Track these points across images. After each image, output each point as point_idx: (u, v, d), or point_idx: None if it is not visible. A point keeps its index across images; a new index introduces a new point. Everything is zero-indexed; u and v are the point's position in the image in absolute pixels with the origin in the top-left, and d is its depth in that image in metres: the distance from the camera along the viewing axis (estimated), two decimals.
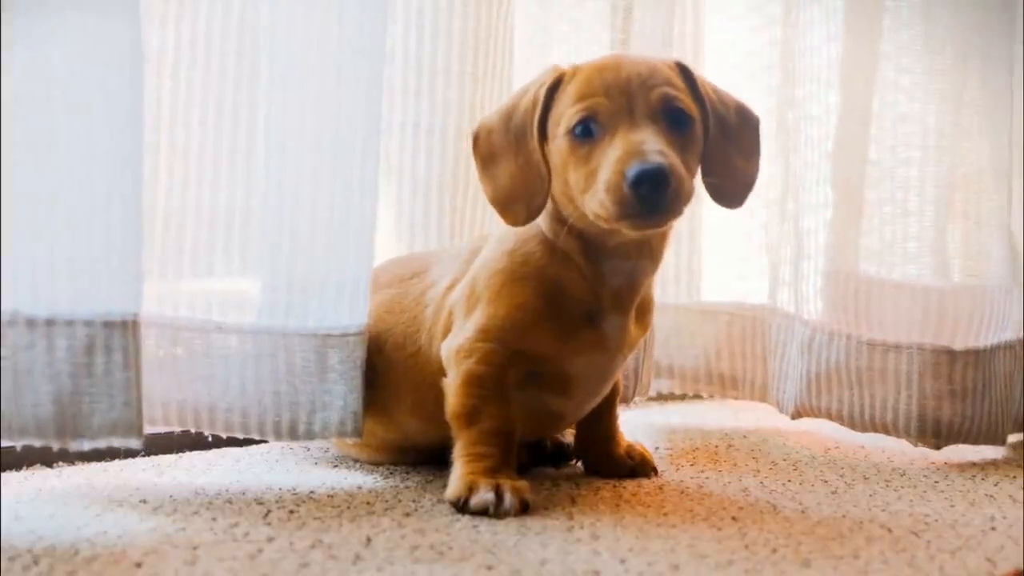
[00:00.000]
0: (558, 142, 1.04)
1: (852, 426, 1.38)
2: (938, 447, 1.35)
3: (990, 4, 1.39)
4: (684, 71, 1.07)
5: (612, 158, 0.98)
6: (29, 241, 0.95)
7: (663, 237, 1.10)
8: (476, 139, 1.10)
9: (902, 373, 1.35)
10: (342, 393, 1.12)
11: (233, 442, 1.23)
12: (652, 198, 0.96)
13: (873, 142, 1.40)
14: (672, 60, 1.08)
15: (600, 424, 1.20)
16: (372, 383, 1.14)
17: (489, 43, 1.34)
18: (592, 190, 1.00)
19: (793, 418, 1.43)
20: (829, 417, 1.40)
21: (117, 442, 0.98)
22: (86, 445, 0.97)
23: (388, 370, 1.15)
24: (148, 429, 1.17)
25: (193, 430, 1.13)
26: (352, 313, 1.12)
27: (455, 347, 1.08)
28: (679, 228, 1.54)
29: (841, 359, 1.38)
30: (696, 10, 1.52)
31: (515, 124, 1.07)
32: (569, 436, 1.26)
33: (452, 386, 1.07)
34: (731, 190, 1.09)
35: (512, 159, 1.07)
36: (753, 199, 1.52)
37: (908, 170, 1.39)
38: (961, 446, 1.38)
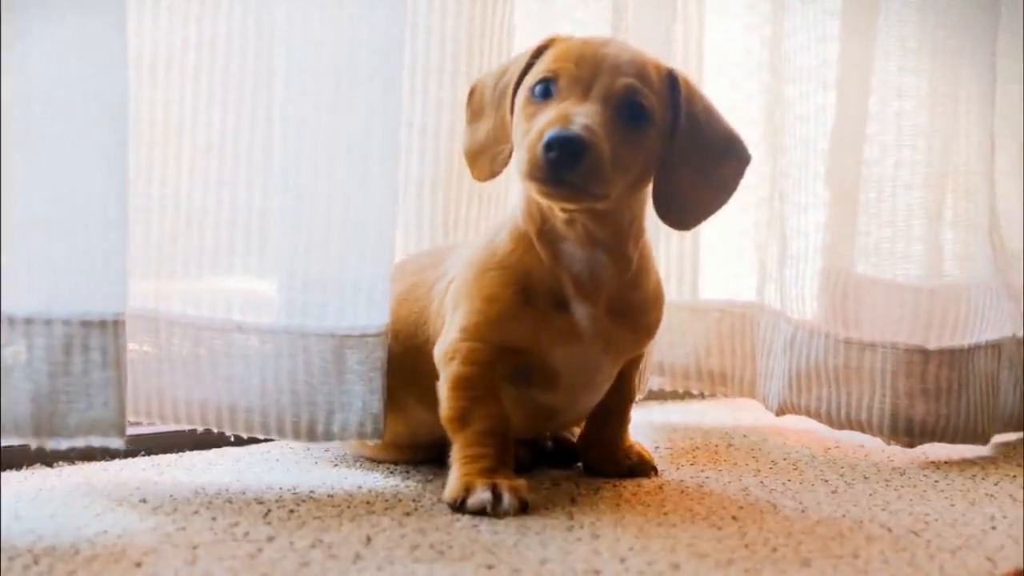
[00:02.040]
0: (519, 99, 1.05)
1: (829, 423, 1.39)
2: (911, 445, 1.36)
3: (982, 3, 1.39)
4: (672, 79, 1.07)
5: (543, 120, 0.99)
6: (9, 240, 0.95)
7: (617, 232, 1.08)
8: (472, 93, 1.13)
9: (877, 371, 1.35)
10: (361, 394, 1.12)
11: (233, 441, 1.23)
12: (559, 165, 0.96)
13: (867, 142, 1.40)
14: (667, 65, 1.08)
15: (607, 427, 1.20)
16: (389, 373, 1.14)
17: (483, 42, 1.34)
18: (520, 148, 1.01)
19: (777, 415, 1.44)
20: (808, 414, 1.41)
21: (96, 441, 0.97)
22: (63, 444, 0.97)
23: (399, 359, 1.15)
24: (171, 427, 1.19)
25: (215, 430, 1.13)
26: (370, 313, 1.12)
27: (442, 350, 1.09)
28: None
29: (820, 357, 1.38)
30: (687, 7, 1.52)
31: (502, 82, 1.09)
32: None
33: (443, 389, 1.08)
34: (681, 211, 1.09)
35: (492, 115, 1.09)
36: (744, 197, 1.53)
37: (897, 170, 1.39)
38: (958, 446, 1.38)
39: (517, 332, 1.07)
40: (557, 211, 1.05)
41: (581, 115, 0.98)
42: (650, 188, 1.08)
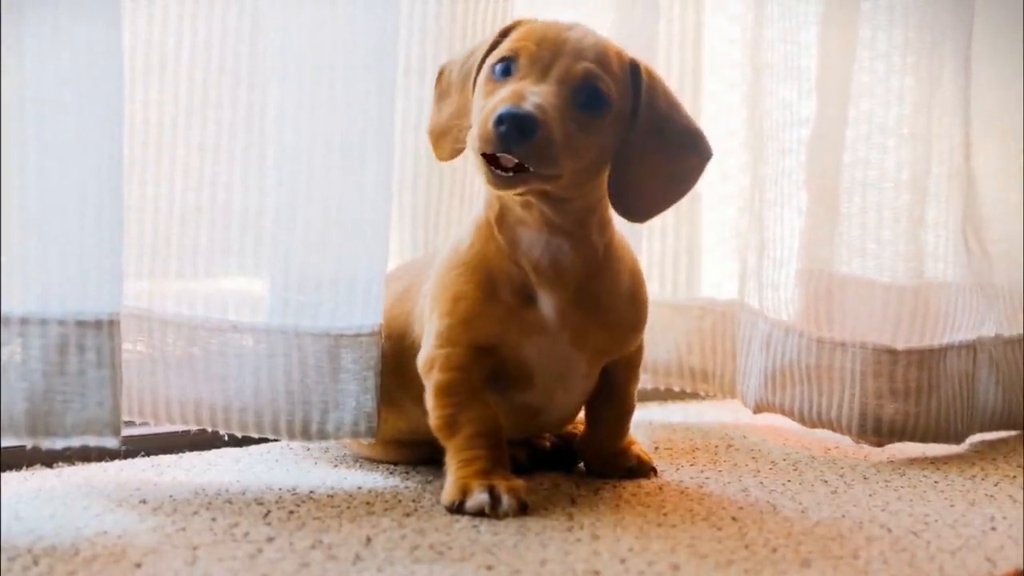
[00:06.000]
0: (481, 77, 1.05)
1: (802, 422, 1.40)
2: (880, 445, 1.37)
3: (958, 4, 1.40)
4: (634, 69, 1.06)
5: (498, 97, 0.99)
6: (4, 240, 0.95)
7: (577, 220, 1.07)
8: (440, 75, 1.13)
9: (847, 371, 1.37)
10: (355, 393, 1.12)
11: (233, 442, 1.23)
12: (508, 139, 0.95)
13: (846, 144, 1.41)
14: (630, 55, 1.07)
15: (606, 429, 1.19)
16: (384, 371, 1.14)
17: (466, 42, 1.33)
18: (474, 123, 1.01)
19: (755, 412, 1.45)
20: (783, 413, 1.42)
21: (92, 441, 0.98)
22: (59, 444, 0.97)
23: (394, 359, 1.15)
24: (171, 428, 1.19)
25: (209, 429, 1.13)
26: (365, 313, 1.12)
27: (423, 360, 1.09)
28: (667, 224, 1.54)
29: (794, 356, 1.40)
30: (673, 8, 1.52)
31: (468, 63, 1.09)
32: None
33: (428, 399, 1.08)
34: (635, 201, 1.07)
35: (457, 96, 1.09)
36: (739, 200, 1.53)
37: (867, 171, 1.40)
38: (957, 447, 1.39)
39: (486, 328, 1.07)
40: (491, 188, 1.02)
41: (535, 94, 0.98)
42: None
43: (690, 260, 1.58)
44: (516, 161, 0.97)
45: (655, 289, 1.54)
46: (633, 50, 1.14)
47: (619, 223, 1.12)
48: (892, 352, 1.36)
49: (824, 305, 1.40)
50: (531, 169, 0.97)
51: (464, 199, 1.37)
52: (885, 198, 1.40)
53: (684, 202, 1.49)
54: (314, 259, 1.12)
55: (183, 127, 1.12)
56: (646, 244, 1.52)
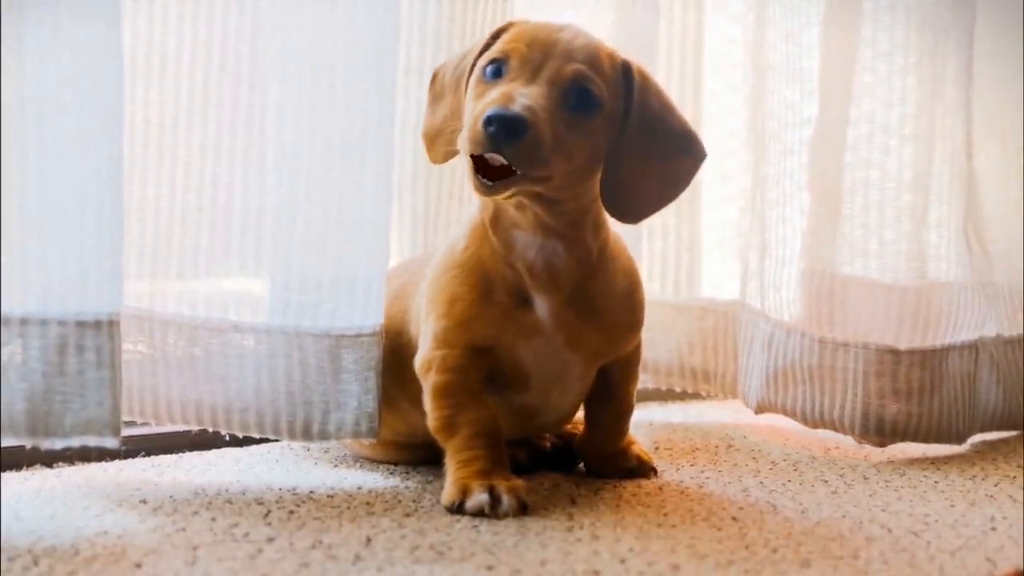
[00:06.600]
0: (472, 79, 1.05)
1: (804, 422, 1.40)
2: (882, 445, 1.37)
3: (960, 5, 1.40)
4: (626, 70, 1.06)
5: (488, 99, 0.99)
6: (5, 240, 0.95)
7: (571, 222, 1.06)
8: (434, 78, 1.13)
9: (849, 371, 1.37)
10: (356, 394, 1.12)
11: (233, 442, 1.23)
12: (497, 140, 0.95)
13: (848, 144, 1.41)
14: (622, 56, 1.07)
15: (606, 430, 1.19)
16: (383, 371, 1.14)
17: (465, 42, 1.33)
18: (464, 125, 1.01)
19: (756, 413, 1.45)
20: (785, 413, 1.42)
21: (92, 441, 0.97)
22: (59, 444, 0.97)
23: (390, 357, 1.15)
24: (171, 428, 1.19)
25: (210, 429, 1.14)
26: (365, 313, 1.13)
27: (420, 362, 1.09)
28: (668, 224, 1.54)
29: (796, 356, 1.40)
30: (673, 8, 1.52)
31: (460, 65, 1.09)
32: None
33: (426, 400, 1.08)
34: (627, 203, 1.07)
35: (451, 98, 1.09)
36: (740, 201, 1.53)
37: (870, 171, 1.40)
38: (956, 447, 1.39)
39: (482, 330, 1.07)
40: (479, 189, 1.01)
41: (524, 96, 0.98)
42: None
43: (691, 260, 1.57)
44: (505, 163, 0.97)
45: (656, 289, 1.54)
46: (633, 50, 1.14)
47: (617, 224, 1.12)
48: (894, 352, 1.36)
49: (826, 305, 1.41)
50: (519, 172, 0.97)
51: (463, 199, 1.37)
52: (887, 198, 1.40)
53: (685, 202, 1.51)
54: (314, 259, 1.12)
55: (184, 127, 1.13)
56: (646, 244, 1.52)
